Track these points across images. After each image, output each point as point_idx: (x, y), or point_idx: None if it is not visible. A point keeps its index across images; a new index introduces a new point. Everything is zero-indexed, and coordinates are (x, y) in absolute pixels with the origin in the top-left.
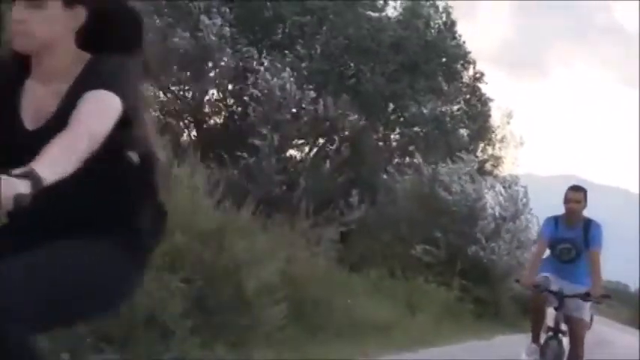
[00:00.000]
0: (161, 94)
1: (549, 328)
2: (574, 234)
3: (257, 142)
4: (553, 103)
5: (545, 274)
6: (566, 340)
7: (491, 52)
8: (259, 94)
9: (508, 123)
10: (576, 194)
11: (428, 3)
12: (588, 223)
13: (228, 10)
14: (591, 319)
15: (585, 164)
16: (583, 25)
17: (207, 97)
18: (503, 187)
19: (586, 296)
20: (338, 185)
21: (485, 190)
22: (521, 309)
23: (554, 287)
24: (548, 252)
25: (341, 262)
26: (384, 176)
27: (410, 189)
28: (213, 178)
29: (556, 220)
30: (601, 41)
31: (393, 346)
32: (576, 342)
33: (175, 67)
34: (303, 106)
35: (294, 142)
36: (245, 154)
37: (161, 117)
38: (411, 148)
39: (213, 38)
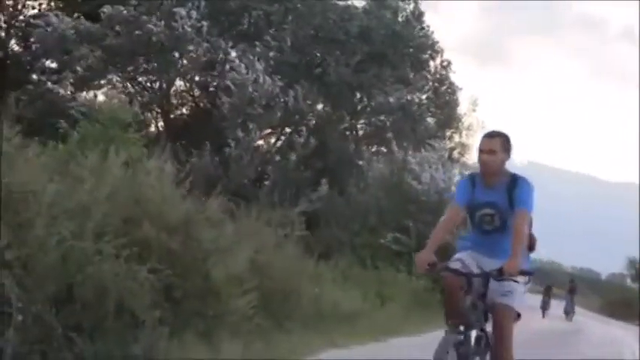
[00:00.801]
0: (128, 84)
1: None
2: (496, 195)
3: (238, 134)
4: (518, 91)
5: (462, 254)
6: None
7: (457, 42)
8: (230, 85)
9: (474, 110)
10: (490, 142)
11: None
12: (514, 181)
13: (203, 1)
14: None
15: (550, 151)
16: (552, 16)
17: (173, 88)
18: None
19: (498, 274)
20: (305, 175)
21: (456, 178)
22: None
23: (456, 265)
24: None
25: (309, 252)
26: (356, 164)
27: (379, 178)
28: (181, 169)
29: (473, 179)
30: (569, 32)
31: (361, 335)
32: (500, 337)
33: (142, 57)
34: (274, 97)
35: (262, 133)
36: (213, 145)
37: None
38: (388, 135)
39: (189, 30)
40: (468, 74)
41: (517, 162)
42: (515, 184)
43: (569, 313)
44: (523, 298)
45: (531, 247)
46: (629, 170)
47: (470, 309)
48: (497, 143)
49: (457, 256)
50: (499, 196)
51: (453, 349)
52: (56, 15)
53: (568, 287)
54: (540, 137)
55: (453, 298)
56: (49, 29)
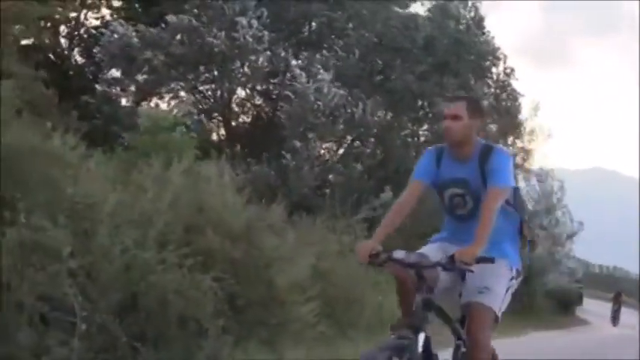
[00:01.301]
0: (190, 93)
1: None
2: (465, 171)
3: (297, 143)
4: (580, 93)
5: (430, 246)
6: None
7: (517, 45)
8: (291, 95)
9: (536, 115)
10: (452, 106)
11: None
12: (486, 151)
13: (265, 11)
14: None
15: (613, 156)
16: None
17: (235, 97)
18: (538, 182)
19: (449, 262)
20: (369, 183)
21: (521, 185)
22: (556, 305)
23: (399, 255)
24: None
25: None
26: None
27: None
28: (242, 177)
29: (439, 152)
30: (630, 34)
31: None
32: (474, 343)
33: (203, 66)
34: (338, 108)
35: (323, 143)
36: (277, 153)
37: (196, 116)
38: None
39: (250, 39)
40: (528, 75)
41: (582, 167)
42: (487, 156)
43: None
44: (506, 297)
45: (527, 242)
46: None
47: (419, 308)
48: (461, 107)
49: (423, 248)
50: (469, 172)
51: (385, 355)
52: (120, 24)
53: None
54: (605, 142)
55: (404, 295)
56: (114, 37)
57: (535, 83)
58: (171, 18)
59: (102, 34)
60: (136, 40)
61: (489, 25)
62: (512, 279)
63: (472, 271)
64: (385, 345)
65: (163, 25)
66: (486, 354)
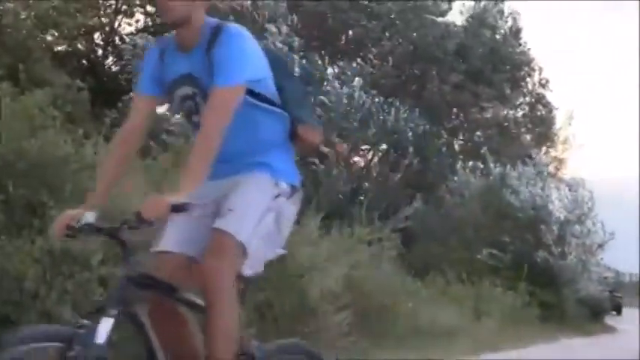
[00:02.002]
0: None
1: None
2: (190, 62)
3: (325, 149)
4: (613, 101)
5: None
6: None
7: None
8: (326, 100)
9: (570, 124)
10: None
11: (495, 9)
12: (215, 35)
13: (295, 17)
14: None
15: None
16: None
17: None
18: (569, 190)
19: (136, 219)
20: (404, 192)
21: (553, 195)
22: (587, 312)
23: (90, 218)
24: None
25: (405, 268)
26: (452, 180)
27: (475, 193)
28: None
29: (163, 46)
30: None
31: (457, 351)
32: (211, 295)
33: None
34: (371, 114)
35: (359, 150)
36: (312, 161)
37: None
38: (483, 151)
39: (280, 45)
40: (561, 81)
41: (614, 174)
42: (214, 41)
43: None
44: (264, 220)
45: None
46: None
47: (121, 287)
48: None
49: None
50: (194, 64)
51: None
52: (142, 37)
53: None
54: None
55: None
56: (137, 49)
57: (568, 90)
58: None
59: (135, 43)
60: None
61: (526, 34)
62: (277, 196)
63: (161, 227)
64: (33, 333)
65: None
66: (227, 306)
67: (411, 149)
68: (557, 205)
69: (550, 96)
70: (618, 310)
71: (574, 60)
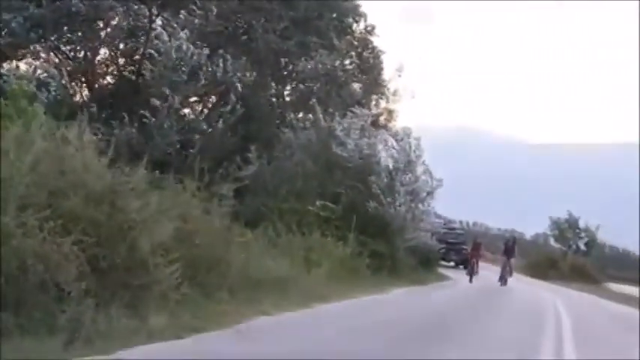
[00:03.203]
0: (52, 54)
1: None
2: None
3: (156, 102)
4: (443, 51)
5: None
6: None
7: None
8: (154, 53)
9: (399, 76)
10: None
11: None
12: None
13: None
14: None
15: (481, 115)
16: None
17: (98, 57)
18: (396, 140)
19: None
20: (233, 143)
21: (380, 145)
22: (417, 261)
23: None
24: None
25: (236, 220)
26: (282, 132)
27: (305, 145)
28: (104, 139)
29: None
30: None
31: (289, 302)
32: None
33: (66, 27)
34: (200, 66)
35: (188, 102)
36: (141, 113)
37: (58, 77)
38: (313, 102)
39: None
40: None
41: (446, 125)
42: None
43: (503, 278)
44: None
45: None
46: (554, 131)
47: None
48: None
49: None
50: None
51: None
52: None
53: (504, 248)
54: (468, 101)
55: None
56: None
57: (399, 41)
58: None
59: None
60: None
61: None
62: None
63: None
64: None
65: None
66: None
67: (231, 97)
68: (385, 155)
69: (378, 43)
70: (464, 263)
71: (406, 7)
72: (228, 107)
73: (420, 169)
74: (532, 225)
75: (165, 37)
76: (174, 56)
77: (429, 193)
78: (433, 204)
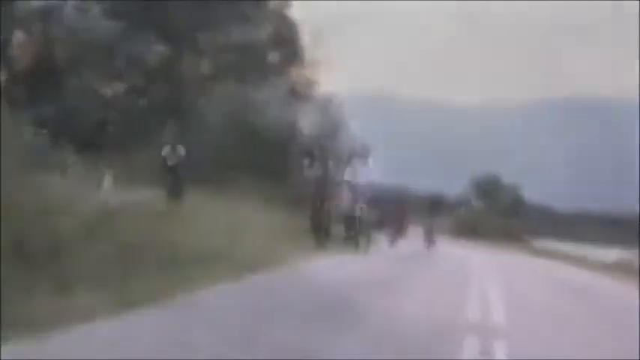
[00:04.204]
0: None
1: None
2: None
3: (73, 82)
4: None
5: None
6: None
7: None
8: (65, 34)
9: (318, 45)
10: None
11: None
12: None
13: None
14: None
15: (396, 80)
16: None
17: (15, 40)
18: (318, 108)
19: None
20: (150, 118)
21: (300, 113)
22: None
23: None
24: None
25: (160, 193)
26: (201, 104)
27: (225, 116)
28: (22, 120)
29: None
30: None
31: (217, 275)
32: None
33: None
34: (114, 43)
35: (108, 81)
36: (58, 94)
37: None
38: (229, 74)
39: None
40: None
41: (363, 93)
42: None
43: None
44: None
45: None
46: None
47: None
48: None
49: None
50: None
51: None
52: None
53: (428, 208)
54: (389, 67)
55: None
56: None
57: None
58: None
59: None
60: None
61: None
62: None
63: None
64: None
65: None
66: None
67: (146, 73)
68: (306, 123)
69: (297, 13)
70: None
71: None
72: (144, 83)
73: (343, 135)
74: (457, 186)
75: (77, 16)
76: (86, 35)
77: (353, 159)
78: (363, 170)
